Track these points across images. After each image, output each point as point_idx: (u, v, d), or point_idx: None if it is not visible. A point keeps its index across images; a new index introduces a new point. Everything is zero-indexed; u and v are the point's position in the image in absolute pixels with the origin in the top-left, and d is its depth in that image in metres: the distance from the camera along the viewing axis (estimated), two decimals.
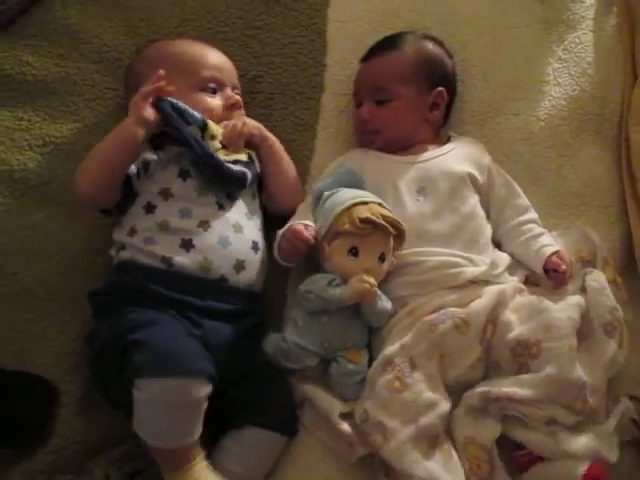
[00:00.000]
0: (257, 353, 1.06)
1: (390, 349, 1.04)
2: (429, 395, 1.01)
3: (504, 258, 1.15)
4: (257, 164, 1.17)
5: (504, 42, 1.37)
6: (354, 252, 1.05)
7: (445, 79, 1.26)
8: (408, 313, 1.08)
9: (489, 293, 1.08)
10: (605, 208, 1.29)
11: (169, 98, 1.05)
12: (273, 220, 1.16)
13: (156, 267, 1.03)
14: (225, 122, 1.13)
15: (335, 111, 1.31)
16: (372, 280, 1.03)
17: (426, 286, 1.09)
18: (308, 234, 1.05)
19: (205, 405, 0.92)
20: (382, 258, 1.06)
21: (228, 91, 1.18)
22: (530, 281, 1.16)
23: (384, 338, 1.08)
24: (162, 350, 0.91)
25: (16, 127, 1.20)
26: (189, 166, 1.09)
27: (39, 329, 1.11)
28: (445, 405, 1.01)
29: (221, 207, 1.09)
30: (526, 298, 1.10)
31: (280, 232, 1.10)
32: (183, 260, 1.03)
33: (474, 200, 1.18)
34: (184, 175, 1.09)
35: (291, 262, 1.12)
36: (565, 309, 1.06)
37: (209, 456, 0.96)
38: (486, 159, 1.24)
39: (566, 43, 1.38)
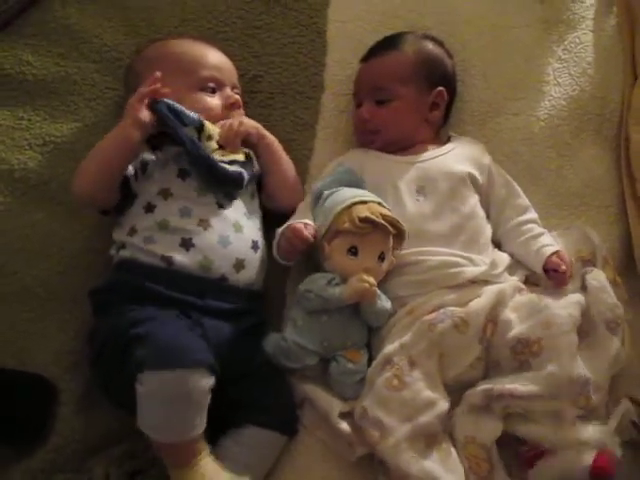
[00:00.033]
0: (257, 352, 1.06)
1: (389, 348, 1.04)
2: (428, 394, 1.01)
3: (504, 258, 1.15)
4: (255, 163, 1.17)
5: (504, 42, 1.37)
6: (354, 251, 1.05)
7: (445, 79, 1.26)
8: (408, 312, 1.08)
9: (488, 292, 1.08)
10: (605, 208, 1.29)
11: (165, 99, 1.05)
12: (273, 219, 1.16)
13: (156, 266, 1.03)
14: (222, 122, 1.13)
15: (335, 111, 1.31)
16: (372, 280, 1.03)
17: (426, 286, 1.09)
18: (307, 233, 1.06)
19: (208, 398, 0.92)
20: (382, 257, 1.06)
21: (227, 91, 1.18)
22: (530, 281, 1.16)
23: (383, 337, 1.08)
24: (164, 343, 0.91)
25: (16, 126, 1.20)
26: (188, 166, 1.09)
27: (39, 328, 1.11)
28: (444, 404, 1.01)
29: (221, 206, 1.09)
30: (526, 296, 1.10)
31: (279, 230, 1.10)
32: (183, 259, 1.03)
33: (474, 200, 1.18)
34: (183, 175, 1.09)
35: (290, 261, 1.12)
36: (565, 306, 1.06)
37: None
38: (486, 159, 1.24)
39: (566, 43, 1.38)
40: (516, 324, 1.06)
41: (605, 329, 1.08)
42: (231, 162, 1.11)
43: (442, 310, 1.05)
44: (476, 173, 1.20)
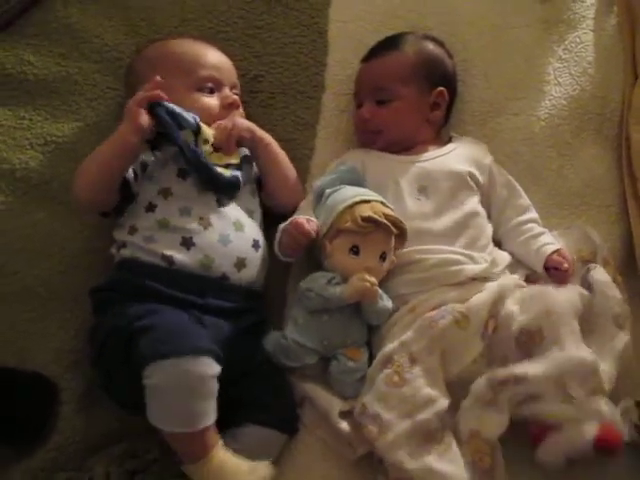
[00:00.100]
0: (258, 351, 1.06)
1: (390, 346, 1.04)
2: (427, 391, 1.00)
3: (505, 257, 1.16)
4: (253, 165, 1.17)
5: (505, 42, 1.37)
6: (355, 250, 1.05)
7: (446, 79, 1.26)
8: (409, 310, 1.08)
9: (490, 288, 1.08)
10: (605, 208, 1.29)
11: (165, 103, 1.05)
12: (273, 218, 1.16)
13: (157, 265, 1.03)
14: (216, 123, 1.12)
15: (336, 111, 1.31)
16: (373, 279, 1.03)
17: (427, 283, 1.09)
18: (310, 227, 1.05)
19: (216, 386, 0.91)
20: (383, 257, 1.06)
21: (226, 91, 1.17)
22: (530, 280, 1.15)
23: (384, 336, 1.08)
24: (168, 332, 0.91)
25: (17, 126, 1.20)
26: (186, 166, 1.09)
27: (40, 328, 1.11)
28: (443, 402, 1.01)
29: (221, 205, 1.09)
30: (526, 289, 1.11)
31: (281, 227, 1.10)
32: (184, 258, 1.03)
33: (475, 199, 1.19)
34: (183, 174, 1.09)
35: (292, 257, 1.12)
36: (565, 295, 1.07)
37: None
38: (487, 159, 1.24)
39: (566, 43, 1.38)
40: (518, 315, 1.06)
41: (612, 324, 1.08)
42: (227, 165, 1.11)
43: (443, 307, 1.05)
44: (477, 172, 1.20)
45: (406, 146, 1.22)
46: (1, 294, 1.12)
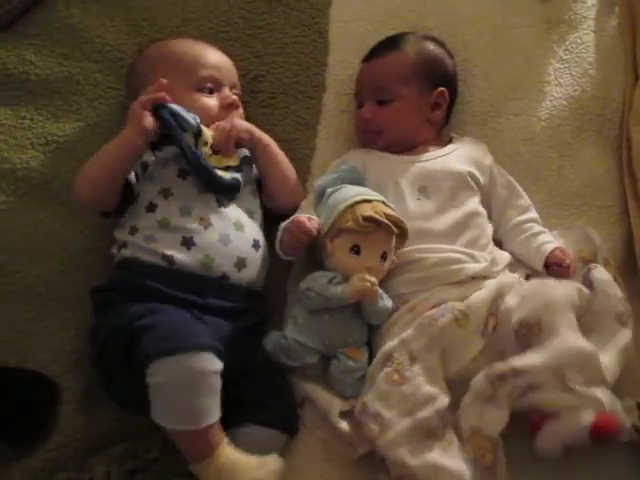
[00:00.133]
0: (258, 351, 1.06)
1: (389, 345, 1.04)
2: (428, 389, 1.00)
3: (505, 256, 1.16)
4: (253, 167, 1.17)
5: (505, 42, 1.38)
6: (356, 250, 1.05)
7: (446, 79, 1.26)
8: (409, 309, 1.08)
9: (489, 285, 1.08)
10: (606, 208, 1.29)
11: (168, 104, 1.05)
12: (274, 218, 1.16)
13: (157, 265, 1.03)
14: (214, 125, 1.12)
15: (336, 110, 1.31)
16: (373, 279, 1.03)
17: (427, 282, 1.10)
18: (311, 226, 1.05)
19: (219, 383, 0.91)
20: (384, 257, 1.06)
21: (226, 91, 1.17)
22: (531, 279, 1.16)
23: (384, 335, 1.08)
24: (169, 330, 0.91)
25: (19, 126, 1.21)
26: (187, 166, 1.09)
27: (41, 327, 1.12)
28: (444, 400, 1.01)
29: (221, 205, 1.09)
30: (525, 283, 1.11)
31: (282, 225, 1.10)
32: (184, 258, 1.03)
33: (475, 199, 1.19)
34: (184, 174, 1.09)
35: (293, 256, 1.12)
36: (563, 289, 1.07)
37: None
38: (488, 160, 1.24)
39: (567, 43, 1.38)
40: (516, 309, 1.06)
41: (614, 321, 1.08)
42: (226, 168, 1.11)
43: (443, 305, 1.06)
44: (477, 173, 1.20)
45: (407, 146, 1.23)
46: (2, 293, 1.12)
